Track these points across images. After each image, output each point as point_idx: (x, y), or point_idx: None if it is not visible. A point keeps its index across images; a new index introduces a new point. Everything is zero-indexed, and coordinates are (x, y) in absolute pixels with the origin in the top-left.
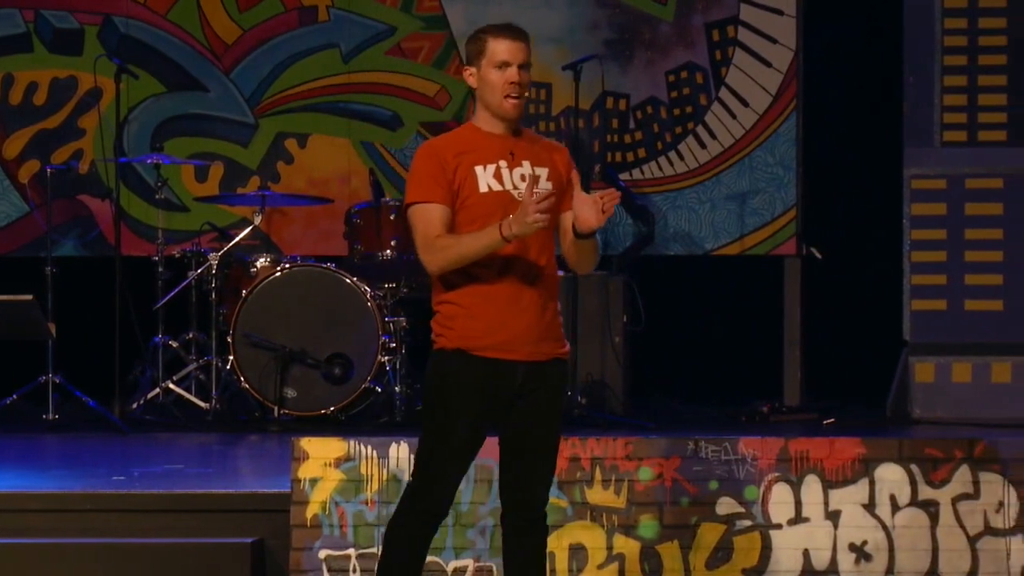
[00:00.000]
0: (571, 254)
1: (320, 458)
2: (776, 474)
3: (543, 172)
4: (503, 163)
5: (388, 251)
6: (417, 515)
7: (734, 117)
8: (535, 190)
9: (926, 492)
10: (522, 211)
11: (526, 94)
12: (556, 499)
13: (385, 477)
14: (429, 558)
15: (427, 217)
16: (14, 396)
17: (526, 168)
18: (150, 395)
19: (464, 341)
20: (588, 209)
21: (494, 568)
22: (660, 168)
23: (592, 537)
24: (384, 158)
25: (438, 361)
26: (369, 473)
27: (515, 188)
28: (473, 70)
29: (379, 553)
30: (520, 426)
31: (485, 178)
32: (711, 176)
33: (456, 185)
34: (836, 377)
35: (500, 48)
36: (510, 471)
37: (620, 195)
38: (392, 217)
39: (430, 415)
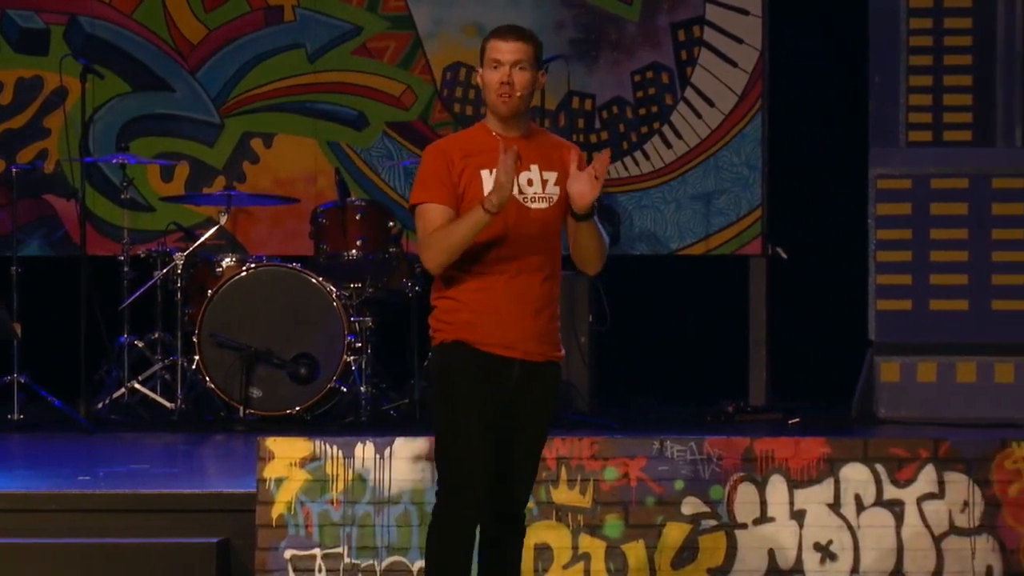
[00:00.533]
0: (577, 251)
1: (285, 458)
2: (741, 474)
3: (551, 176)
4: None
5: (354, 251)
6: (452, 519)
7: (700, 117)
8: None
9: (891, 492)
10: (496, 178)
11: (519, 94)
12: None
13: (351, 477)
14: (394, 558)
15: (427, 218)
16: None
17: (534, 172)
18: (115, 395)
19: (464, 334)
20: (581, 183)
21: None
22: (626, 168)
23: (557, 537)
24: (350, 158)
25: (439, 354)
26: (335, 473)
27: (520, 193)
28: (480, 71)
29: (424, 563)
30: (510, 426)
31: (491, 182)
32: (677, 176)
33: (461, 188)
34: (801, 377)
35: (494, 49)
36: (494, 471)
37: (610, 155)
38: (358, 217)
39: (441, 410)
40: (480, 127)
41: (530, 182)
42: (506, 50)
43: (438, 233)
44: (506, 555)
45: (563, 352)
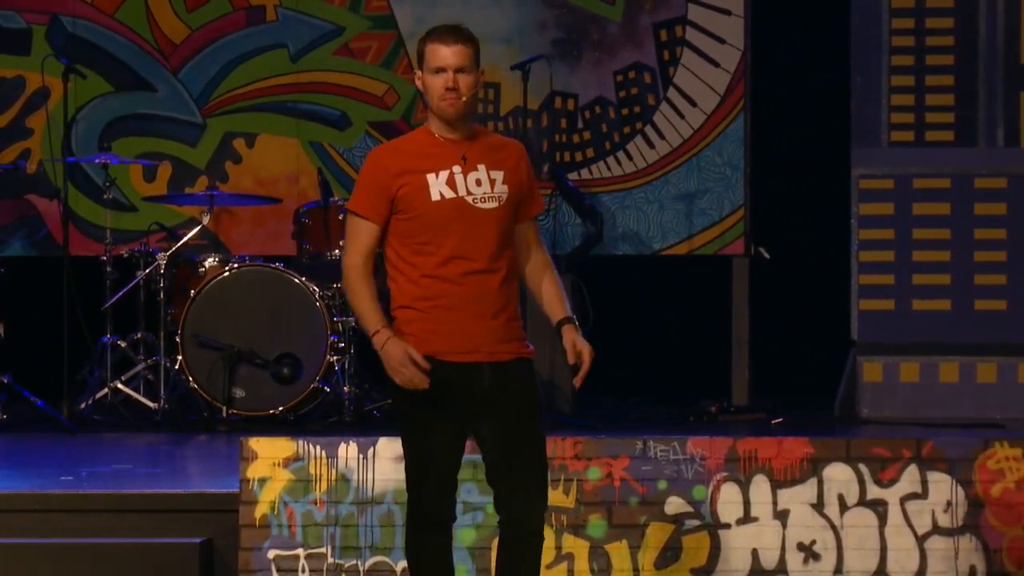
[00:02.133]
0: (528, 283)
1: (269, 458)
2: (724, 474)
3: (498, 175)
4: (456, 168)
5: (336, 251)
6: (424, 529)
7: (682, 117)
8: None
9: (874, 492)
10: (399, 362)
11: (464, 98)
12: None
13: (334, 477)
14: (377, 558)
15: (355, 233)
16: None
17: (481, 173)
18: (98, 395)
19: (426, 346)
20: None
21: None
22: (608, 168)
23: None
24: (332, 158)
25: None
26: (318, 473)
27: (469, 194)
28: (419, 74)
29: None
30: (498, 435)
31: (437, 186)
32: (659, 176)
33: (403, 194)
34: (784, 377)
35: (436, 54)
36: (502, 485)
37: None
38: (340, 217)
39: (405, 425)
40: (424, 131)
41: (478, 182)
42: (448, 54)
43: (353, 281)
44: (521, 569)
45: (532, 348)
